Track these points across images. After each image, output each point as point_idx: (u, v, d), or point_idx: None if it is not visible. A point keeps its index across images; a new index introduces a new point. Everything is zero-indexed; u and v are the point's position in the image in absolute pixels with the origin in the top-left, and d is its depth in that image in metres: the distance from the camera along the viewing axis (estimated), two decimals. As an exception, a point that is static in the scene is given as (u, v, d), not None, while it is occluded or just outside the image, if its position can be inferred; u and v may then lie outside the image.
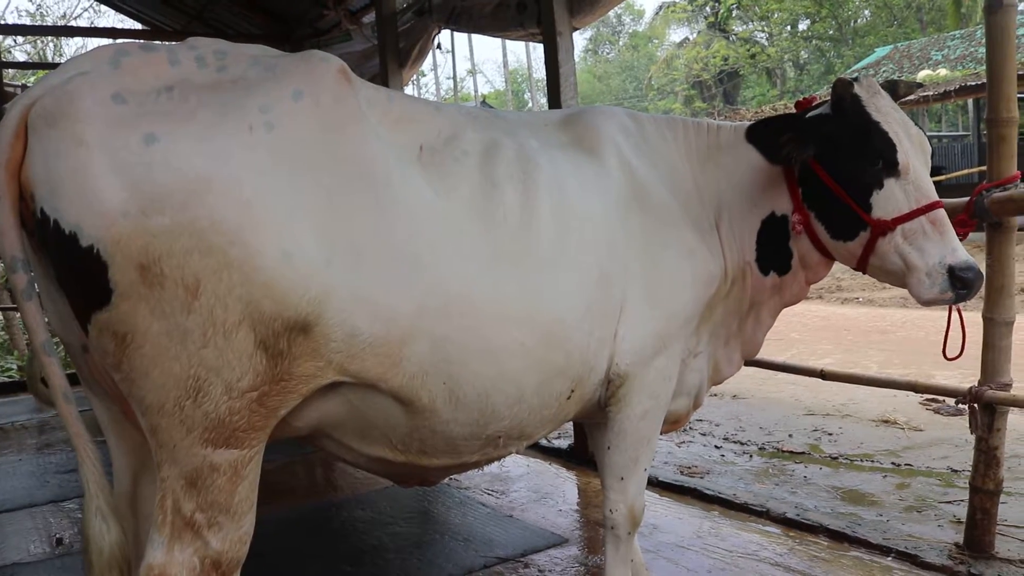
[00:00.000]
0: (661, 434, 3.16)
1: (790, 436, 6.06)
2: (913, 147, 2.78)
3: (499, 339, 2.43)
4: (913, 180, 2.75)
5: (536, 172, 2.64)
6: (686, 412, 3.26)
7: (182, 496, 2.12)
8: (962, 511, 4.33)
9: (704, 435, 6.21)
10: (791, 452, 5.67)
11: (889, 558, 3.91)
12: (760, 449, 5.79)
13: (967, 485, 3.91)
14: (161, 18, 11.16)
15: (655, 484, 5.15)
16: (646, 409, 2.89)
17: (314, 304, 2.10)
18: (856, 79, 2.88)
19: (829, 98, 2.89)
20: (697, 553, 4.07)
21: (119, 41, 2.26)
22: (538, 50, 5.57)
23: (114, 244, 1.92)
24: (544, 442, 6.15)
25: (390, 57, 7.18)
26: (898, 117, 2.80)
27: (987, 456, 3.75)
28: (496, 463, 5.63)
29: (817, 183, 2.87)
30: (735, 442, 5.99)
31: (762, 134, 2.90)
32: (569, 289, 2.60)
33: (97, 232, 1.91)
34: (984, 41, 3.64)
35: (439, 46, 7.19)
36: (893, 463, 5.31)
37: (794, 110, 3.07)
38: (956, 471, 5.09)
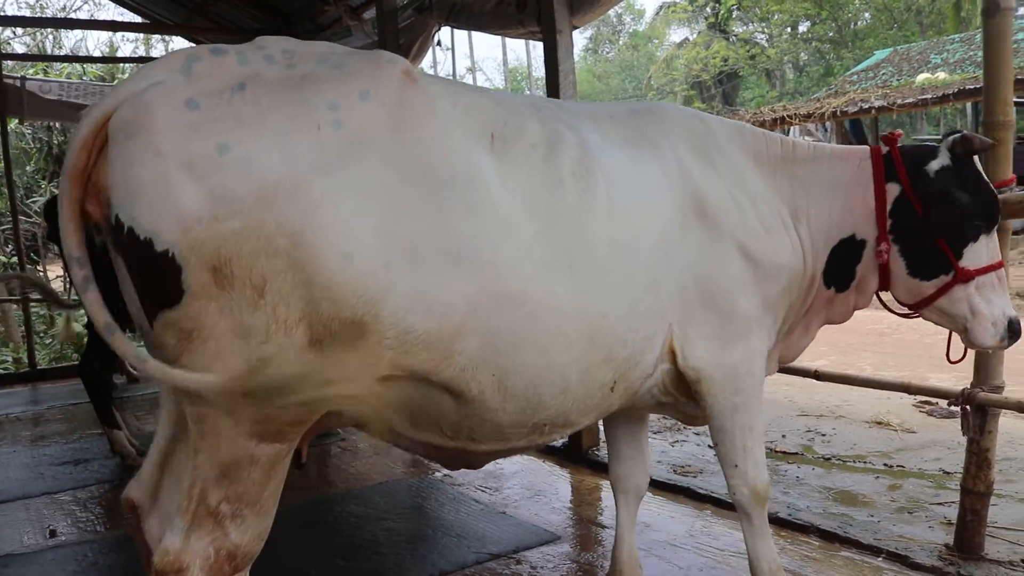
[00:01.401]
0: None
1: (784, 437, 6.07)
2: (999, 209, 3.06)
3: (547, 333, 2.48)
4: (995, 238, 3.04)
5: (597, 170, 2.66)
6: None
7: (212, 485, 2.16)
8: (953, 512, 4.35)
9: (698, 435, 6.21)
10: (784, 452, 5.68)
11: (879, 558, 3.93)
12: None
13: (958, 487, 3.94)
14: (162, 12, 11.16)
15: (649, 482, 5.17)
16: (734, 403, 2.98)
17: (370, 305, 2.14)
18: (952, 134, 3.03)
19: (948, 146, 3.00)
20: (689, 551, 4.09)
21: (190, 46, 2.33)
22: (538, 48, 5.60)
23: (189, 248, 1.98)
24: (538, 440, 6.17)
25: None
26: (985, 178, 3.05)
27: (978, 458, 3.78)
28: (495, 463, 5.74)
29: (913, 221, 3.01)
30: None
31: (906, 162, 3.04)
32: (616, 287, 2.65)
33: (173, 237, 1.98)
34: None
35: (439, 43, 7.22)
36: (886, 464, 5.33)
37: (884, 144, 3.15)
38: (948, 473, 5.10)
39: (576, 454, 5.78)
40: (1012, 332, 2.97)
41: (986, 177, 3.04)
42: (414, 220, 2.21)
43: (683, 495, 4.95)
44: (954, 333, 3.27)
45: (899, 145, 3.09)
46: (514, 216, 2.41)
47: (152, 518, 2.51)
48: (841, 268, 3.14)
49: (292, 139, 2.06)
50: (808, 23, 39.65)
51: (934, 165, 3.01)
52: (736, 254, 2.91)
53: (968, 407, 3.74)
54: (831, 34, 38.25)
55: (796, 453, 5.68)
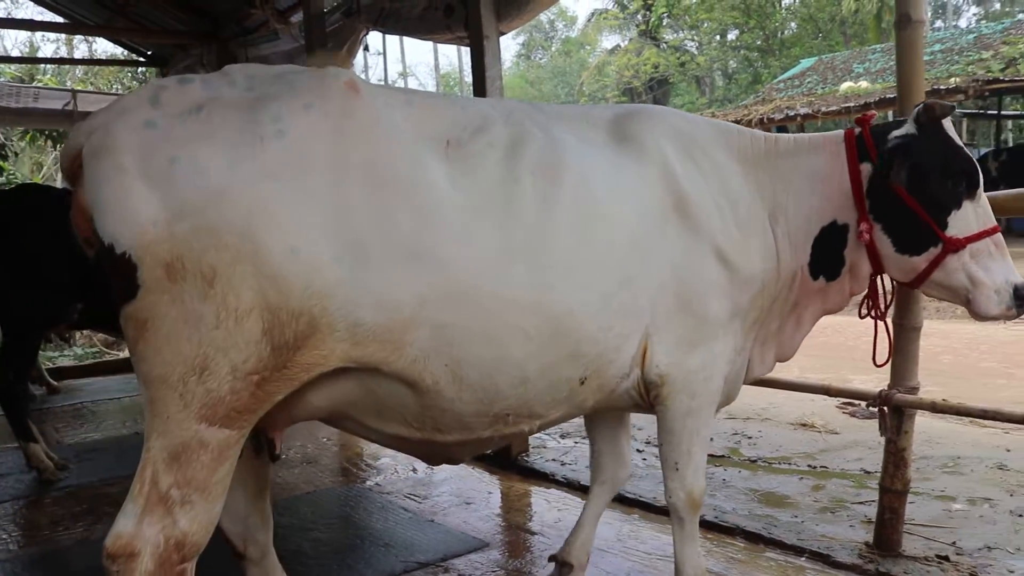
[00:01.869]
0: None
1: (711, 440, 6.14)
2: (980, 172, 2.97)
3: (501, 326, 2.54)
4: (983, 203, 2.96)
5: (563, 168, 2.71)
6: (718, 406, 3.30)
7: (162, 469, 2.26)
8: (873, 511, 4.43)
9: (627, 439, 6.25)
10: (711, 455, 5.73)
11: (803, 558, 4.00)
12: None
13: (878, 486, 4.03)
14: (82, 12, 10.82)
15: (577, 488, 5.18)
16: (688, 407, 3.01)
17: (318, 297, 2.28)
18: (925, 103, 2.98)
19: (913, 117, 2.98)
20: (617, 556, 4.10)
21: (161, 78, 2.65)
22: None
23: (143, 249, 2.19)
24: (469, 446, 6.14)
25: (317, 56, 7.10)
26: (961, 141, 3.00)
27: (896, 457, 3.86)
28: (421, 469, 5.70)
29: (891, 197, 2.97)
30: (656, 446, 6.02)
31: (877, 141, 3.02)
32: (582, 284, 2.68)
33: (129, 241, 2.19)
34: None
35: (367, 48, 7.14)
36: (810, 465, 5.43)
37: (857, 125, 3.15)
38: (869, 472, 5.22)
39: (505, 460, 5.76)
40: (1020, 299, 2.89)
41: (959, 143, 2.98)
42: (359, 219, 2.33)
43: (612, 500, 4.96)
44: (879, 336, 3.37)
45: (872, 125, 3.11)
46: (463, 215, 2.49)
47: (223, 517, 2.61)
48: (827, 256, 3.13)
49: (237, 149, 2.25)
50: (737, 31, 40.49)
51: (900, 135, 2.99)
52: (712, 257, 2.93)
53: (885, 408, 3.82)
54: (759, 42, 39.11)
55: (723, 456, 5.75)
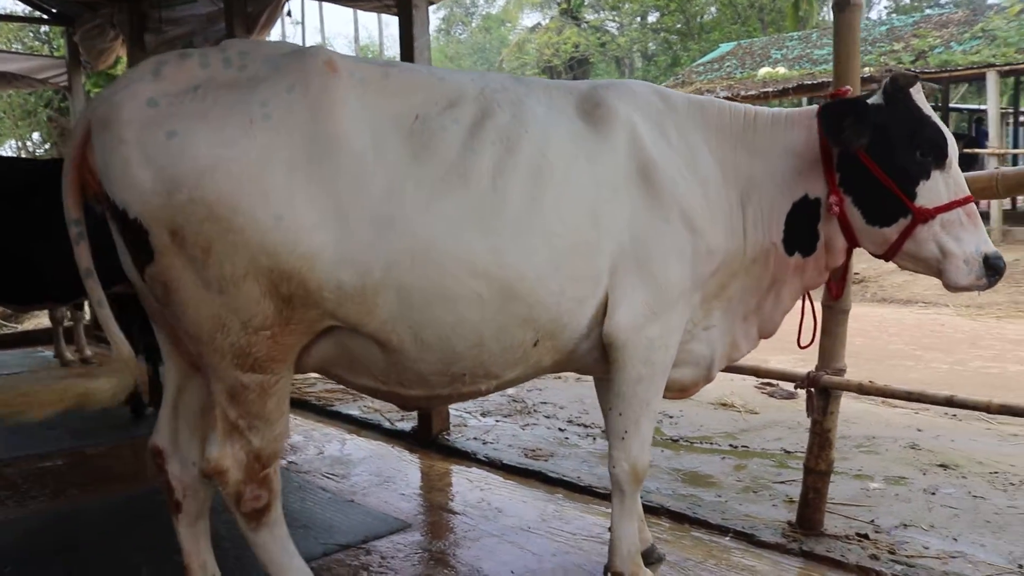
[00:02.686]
0: (669, 398, 3.35)
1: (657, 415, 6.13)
2: (951, 142, 2.96)
3: (457, 290, 2.70)
4: (953, 174, 2.94)
5: (522, 139, 2.83)
6: (693, 382, 3.38)
7: (227, 406, 2.70)
8: (794, 490, 4.49)
9: (548, 418, 6.21)
10: (634, 434, 5.73)
11: (727, 537, 4.01)
12: (604, 432, 5.81)
13: (800, 466, 4.06)
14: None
15: (499, 467, 5.12)
16: (641, 375, 3.04)
17: (303, 260, 2.53)
18: (890, 72, 3.02)
19: (881, 88, 2.98)
20: (542, 536, 4.04)
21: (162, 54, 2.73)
22: (391, 26, 5.36)
23: (150, 216, 2.47)
24: (387, 424, 6.02)
25: (236, 22, 6.81)
26: (933, 112, 2.96)
27: (821, 438, 3.89)
28: (338, 447, 5.55)
29: (860, 169, 2.98)
30: (579, 424, 6.01)
31: (829, 114, 2.99)
32: (534, 249, 2.78)
33: (138, 208, 2.47)
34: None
35: (289, 13, 6.87)
36: (731, 445, 5.47)
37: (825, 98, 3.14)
38: (789, 452, 5.29)
39: (426, 439, 5.65)
40: (991, 268, 2.89)
41: (928, 113, 2.97)
42: (336, 190, 2.56)
43: (535, 479, 4.91)
44: (806, 320, 3.40)
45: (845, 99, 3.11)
46: (424, 185, 2.66)
47: (174, 461, 2.97)
48: (801, 231, 3.13)
49: (229, 130, 2.48)
50: (657, 14, 40.76)
51: (867, 104, 3.00)
52: (679, 222, 2.97)
53: (812, 389, 3.84)
54: (679, 26, 39.47)
55: (645, 435, 5.73)
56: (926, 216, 2.91)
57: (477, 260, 2.70)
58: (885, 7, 41.90)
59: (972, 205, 2.95)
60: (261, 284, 2.53)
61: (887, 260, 3.09)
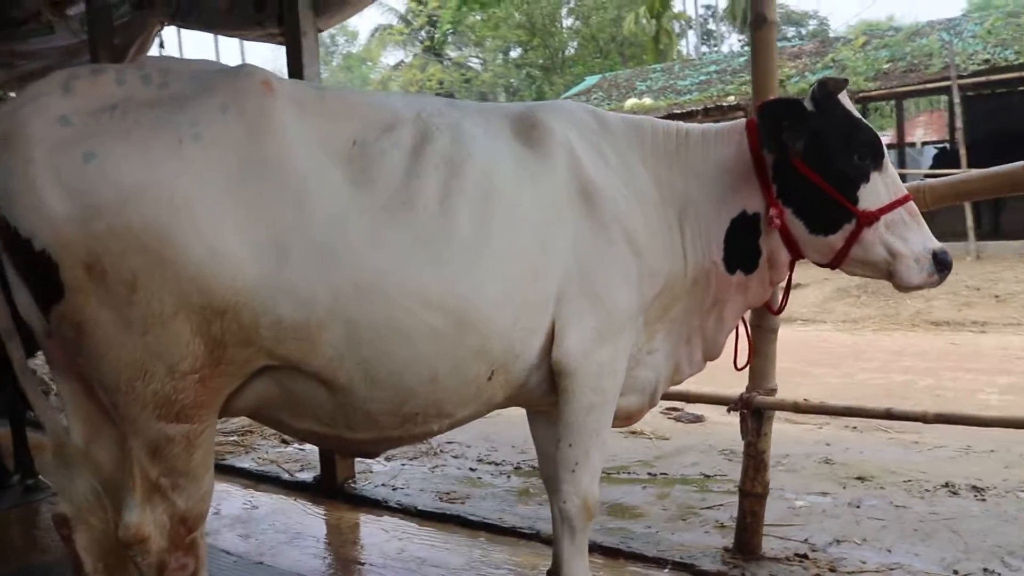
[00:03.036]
0: (615, 427, 3.13)
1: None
2: (881, 142, 2.90)
3: (410, 323, 2.52)
4: (890, 173, 2.89)
5: (466, 163, 2.69)
6: (639, 409, 3.24)
7: (147, 464, 2.39)
8: (723, 515, 4.43)
9: (456, 458, 5.96)
10: (549, 469, 5.55)
11: (666, 570, 3.87)
12: (516, 469, 5.62)
13: (723, 489, 3.98)
14: None
15: (414, 514, 4.84)
16: (592, 402, 2.90)
17: (240, 295, 2.30)
18: (821, 81, 2.90)
19: (810, 95, 2.91)
20: (474, 584, 3.79)
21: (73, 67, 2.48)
22: (280, 57, 5.08)
23: (61, 247, 2.19)
24: (286, 476, 5.65)
25: (102, 54, 6.30)
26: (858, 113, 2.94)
27: (756, 460, 3.81)
28: (237, 504, 5.15)
29: (798, 178, 2.89)
30: (490, 463, 5.80)
31: (767, 114, 2.88)
32: (487, 278, 2.64)
33: (47, 237, 2.19)
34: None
35: (162, 45, 6.43)
36: (649, 473, 5.36)
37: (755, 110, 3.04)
38: (708, 476, 5.22)
39: (331, 488, 5.32)
40: (940, 264, 2.82)
41: (859, 115, 2.95)
42: (274, 218, 2.35)
43: (453, 523, 4.66)
44: (742, 341, 3.34)
45: None
46: (368, 209, 2.49)
47: (81, 531, 2.59)
48: (741, 249, 3.02)
49: (155, 151, 2.24)
50: (520, 50, 41.40)
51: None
52: (622, 244, 2.86)
53: (746, 411, 3.75)
54: (542, 61, 40.17)
55: (560, 468, 5.56)
56: (871, 219, 2.83)
57: (429, 290, 2.54)
58: (738, 39, 43.90)
59: (912, 203, 2.90)
60: (192, 322, 2.29)
61: (833, 268, 3.02)
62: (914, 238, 2.84)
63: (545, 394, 2.99)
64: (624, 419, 3.25)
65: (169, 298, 2.25)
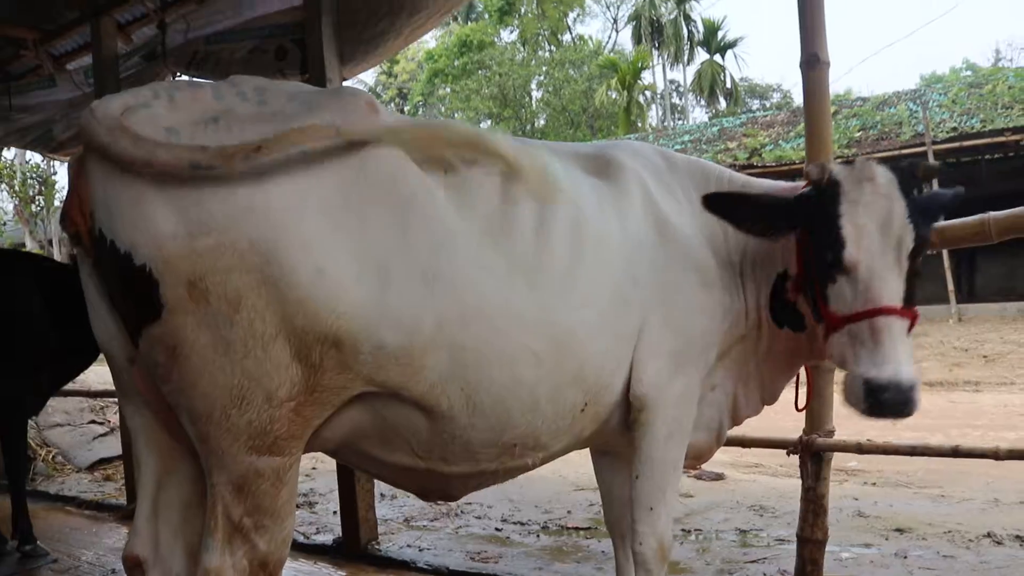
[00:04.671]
0: (685, 467, 3.07)
1: (569, 512, 5.83)
2: (883, 245, 2.55)
3: (512, 347, 2.48)
4: (864, 280, 2.54)
5: (556, 191, 2.67)
6: (707, 447, 3.18)
7: (231, 502, 2.26)
8: (770, 568, 4.34)
9: (479, 519, 5.80)
10: (576, 528, 5.42)
11: (727, 624, 3.73)
12: (544, 528, 5.48)
13: (763, 544, 3.87)
14: None
15: (446, 574, 4.67)
16: (670, 432, 2.85)
17: (344, 319, 2.21)
18: (850, 162, 2.70)
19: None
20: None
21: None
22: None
23: (164, 263, 2.09)
24: (302, 539, 5.44)
25: (109, 108, 6.26)
26: (881, 209, 2.57)
27: (815, 505, 3.73)
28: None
29: (808, 262, 2.72)
30: (515, 523, 5.64)
31: (718, 203, 2.77)
32: (582, 304, 2.61)
33: (149, 252, 2.09)
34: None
35: (174, 98, 6.37)
36: (683, 529, 5.23)
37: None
38: (744, 531, 5.11)
39: (354, 551, 5.13)
40: (870, 397, 2.44)
41: (842, 210, 2.58)
42: (380, 239, 2.29)
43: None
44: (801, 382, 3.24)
45: None
46: (470, 234, 2.46)
47: (155, 572, 2.48)
48: (783, 306, 2.91)
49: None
50: (491, 121, 41.97)
51: (799, 195, 2.79)
52: (694, 277, 2.85)
53: (805, 454, 3.68)
54: (512, 132, 40.74)
55: (588, 528, 5.43)
56: (831, 323, 2.61)
57: (529, 315, 2.51)
58: (706, 113, 44.86)
59: (880, 320, 2.49)
60: (292, 346, 2.19)
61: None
62: (863, 358, 2.49)
63: (622, 434, 2.93)
64: (694, 458, 3.18)
65: (272, 319, 2.16)
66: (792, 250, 2.83)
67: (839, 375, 2.69)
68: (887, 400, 2.40)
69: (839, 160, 2.80)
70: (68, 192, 2.26)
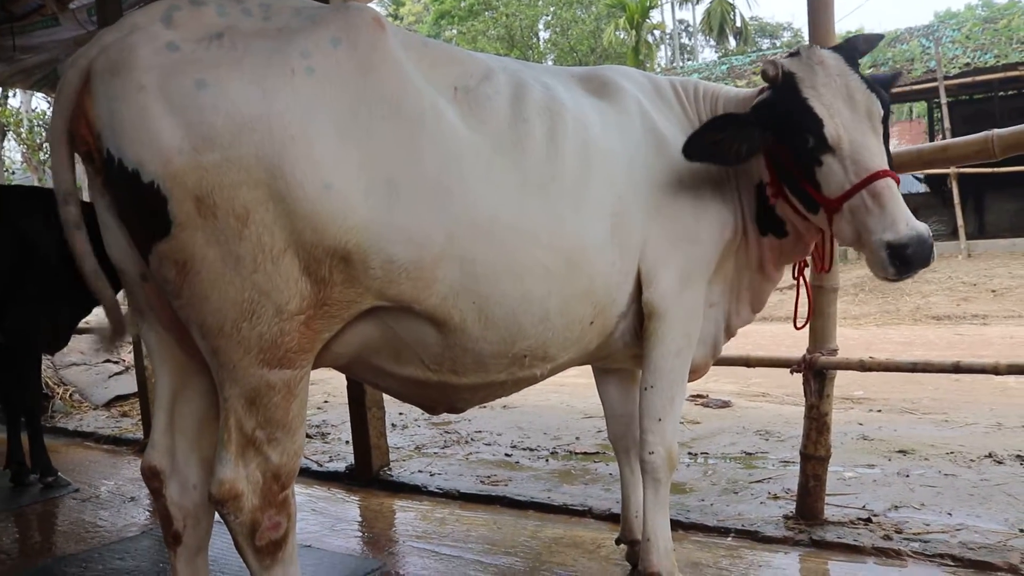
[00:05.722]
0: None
1: (577, 439, 5.92)
2: (855, 116, 2.62)
3: (523, 261, 2.53)
4: (850, 154, 2.59)
5: (562, 110, 2.72)
6: (704, 362, 3.26)
7: (244, 415, 2.29)
8: (774, 487, 4.43)
9: (489, 445, 5.90)
10: (585, 453, 5.52)
11: (729, 538, 3.84)
12: (552, 453, 5.58)
13: (767, 465, 3.94)
14: None
15: (457, 497, 4.79)
16: (680, 346, 2.95)
17: (352, 233, 2.23)
18: (796, 52, 2.76)
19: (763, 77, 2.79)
20: (536, 555, 3.73)
21: None
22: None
23: (171, 179, 2.10)
24: (315, 467, 5.56)
25: (114, 44, 6.24)
26: (840, 84, 2.64)
27: (818, 423, 3.79)
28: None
29: (780, 162, 2.79)
30: (525, 449, 5.74)
31: (696, 144, 2.75)
32: (591, 219, 2.68)
33: (156, 168, 2.09)
34: None
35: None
36: (690, 453, 5.32)
37: None
38: (750, 454, 5.20)
39: (366, 477, 5.25)
40: (897, 258, 2.51)
41: (807, 95, 2.64)
42: (388, 153, 2.30)
43: (499, 504, 4.61)
44: (801, 302, 3.30)
45: None
46: (480, 149, 2.49)
47: (172, 484, 2.54)
48: (766, 215, 2.98)
49: (267, 81, 2.16)
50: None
51: (757, 104, 2.84)
52: (694, 191, 2.90)
53: (808, 372, 3.73)
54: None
55: (596, 453, 5.53)
56: (831, 207, 2.64)
57: (540, 230, 2.55)
58: (716, 52, 44.31)
59: (879, 183, 2.54)
60: (301, 260, 2.20)
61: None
62: (874, 226, 2.54)
63: (626, 345, 3.03)
64: (692, 372, 3.21)
65: (280, 233, 2.16)
66: (761, 159, 2.87)
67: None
68: (913, 255, 2.49)
69: (785, 55, 2.80)
70: (74, 112, 2.23)
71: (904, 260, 2.49)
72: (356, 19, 2.37)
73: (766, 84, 2.80)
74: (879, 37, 2.96)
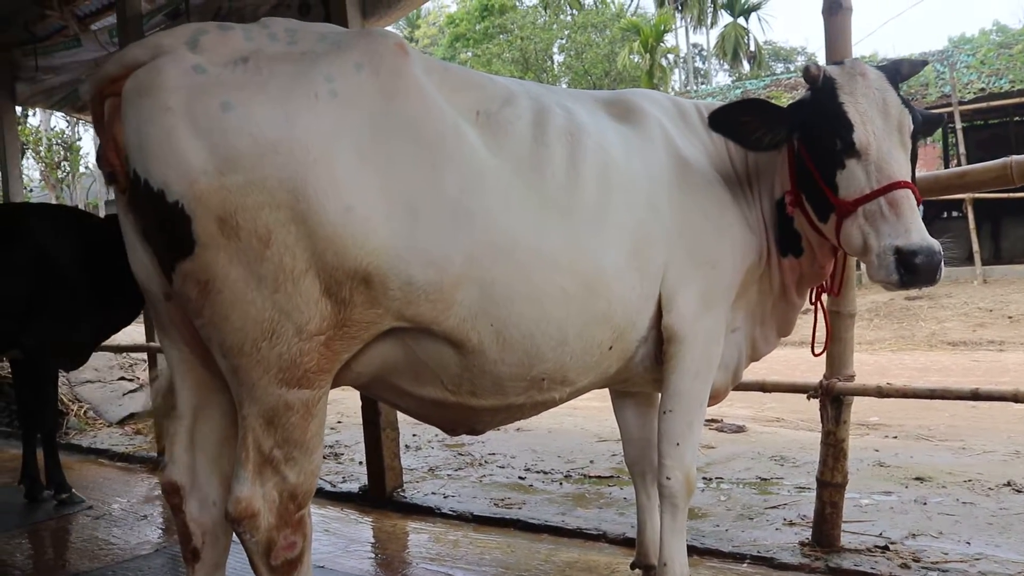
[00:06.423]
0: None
1: (592, 462, 5.91)
2: (887, 127, 2.68)
3: (542, 284, 2.54)
4: (875, 160, 2.63)
5: (583, 135, 2.75)
6: (724, 387, 3.24)
7: (262, 434, 2.30)
8: (790, 513, 4.39)
9: (503, 468, 5.89)
10: (599, 477, 5.50)
11: (745, 564, 3.81)
12: (566, 476, 5.56)
13: (783, 491, 3.91)
14: None
15: (470, 519, 4.78)
16: (698, 369, 2.93)
17: (373, 255, 2.26)
18: (840, 62, 2.86)
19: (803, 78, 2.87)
20: (553, 581, 3.72)
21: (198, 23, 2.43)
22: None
23: (196, 200, 2.13)
24: (329, 487, 5.56)
25: (134, 65, 6.32)
26: (877, 96, 2.71)
27: (835, 449, 3.77)
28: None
29: (802, 165, 2.83)
30: (538, 472, 5.72)
31: (722, 118, 2.84)
32: (610, 243, 2.69)
33: (181, 189, 2.13)
34: None
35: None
36: (705, 478, 5.30)
37: None
38: (765, 479, 5.17)
39: (379, 498, 5.24)
40: (902, 266, 2.51)
41: (843, 100, 2.71)
42: (409, 177, 2.33)
43: (513, 527, 4.59)
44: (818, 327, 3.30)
45: None
46: (501, 173, 2.51)
47: (192, 500, 2.55)
48: (784, 231, 3.00)
49: (291, 104, 2.20)
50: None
51: (791, 103, 2.92)
52: (717, 215, 2.92)
53: (825, 398, 3.72)
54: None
55: (611, 477, 5.51)
56: (845, 209, 2.66)
57: (559, 254, 2.57)
58: (729, 76, 44.41)
59: (898, 192, 2.57)
60: (322, 281, 2.23)
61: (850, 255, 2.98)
62: (886, 232, 2.55)
63: (646, 370, 3.01)
64: (712, 397, 3.21)
65: (302, 254, 2.19)
66: (784, 166, 2.93)
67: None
68: (920, 264, 2.46)
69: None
70: (102, 134, 2.29)
71: (910, 268, 2.48)
72: (379, 45, 2.41)
73: (806, 84, 2.84)
74: (923, 63, 2.99)
